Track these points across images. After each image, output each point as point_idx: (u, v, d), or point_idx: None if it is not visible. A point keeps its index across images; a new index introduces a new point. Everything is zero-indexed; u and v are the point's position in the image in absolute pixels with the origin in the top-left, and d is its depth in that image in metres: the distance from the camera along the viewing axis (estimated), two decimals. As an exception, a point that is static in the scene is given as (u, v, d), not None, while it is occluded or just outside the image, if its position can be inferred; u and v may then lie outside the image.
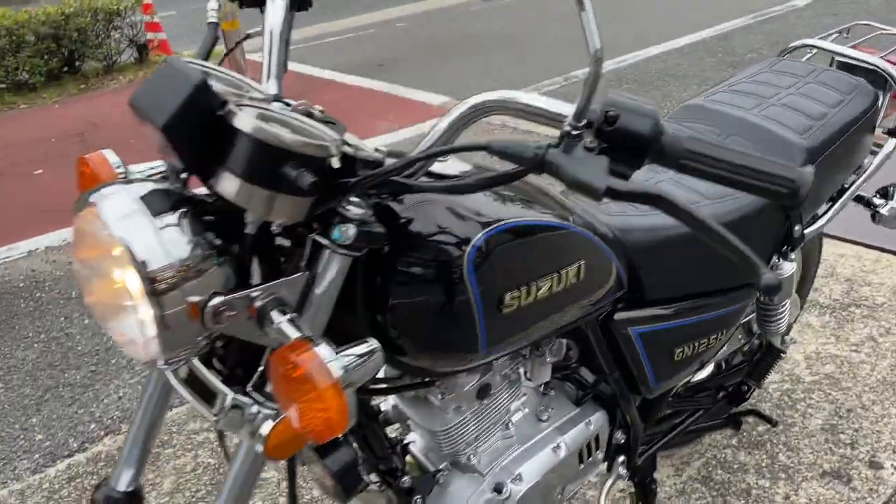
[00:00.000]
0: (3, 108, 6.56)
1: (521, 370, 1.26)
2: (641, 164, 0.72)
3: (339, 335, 0.78)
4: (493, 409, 1.22)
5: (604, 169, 0.68)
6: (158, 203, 0.74)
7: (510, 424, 1.29)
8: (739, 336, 1.76)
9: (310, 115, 0.82)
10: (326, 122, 0.83)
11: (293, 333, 0.73)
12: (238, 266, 0.79)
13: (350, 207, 0.78)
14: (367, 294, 0.91)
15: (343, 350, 0.71)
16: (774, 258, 1.47)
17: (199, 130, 0.71)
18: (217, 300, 0.73)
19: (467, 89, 5.64)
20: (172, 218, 0.74)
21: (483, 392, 1.17)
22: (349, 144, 0.81)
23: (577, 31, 0.69)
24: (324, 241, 0.78)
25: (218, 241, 0.76)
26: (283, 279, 0.78)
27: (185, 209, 0.75)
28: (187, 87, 0.70)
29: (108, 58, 7.43)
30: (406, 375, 1.08)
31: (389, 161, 0.84)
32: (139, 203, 0.74)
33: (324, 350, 0.68)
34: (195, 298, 0.72)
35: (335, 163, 0.79)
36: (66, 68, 7.23)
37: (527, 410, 1.32)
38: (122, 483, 1.00)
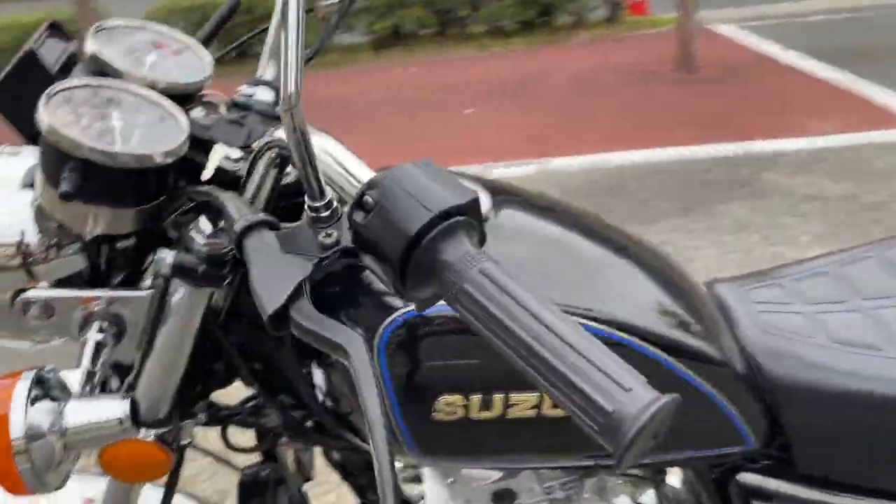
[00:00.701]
0: (479, 51, 7.31)
1: (584, 492, 0.94)
2: (398, 286, 0.43)
3: None
4: (524, 522, 0.94)
5: (295, 281, 0.42)
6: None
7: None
8: None
9: (211, 106, 0.68)
10: (232, 122, 0.68)
11: (85, 358, 0.63)
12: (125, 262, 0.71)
13: (193, 232, 0.63)
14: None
15: (77, 399, 0.59)
16: None
17: (30, 107, 0.63)
18: (31, 293, 0.66)
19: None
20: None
21: (502, 497, 0.90)
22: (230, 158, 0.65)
23: None
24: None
25: None
26: (121, 292, 0.67)
27: None
28: (18, 56, 0.63)
29: (580, 13, 7.68)
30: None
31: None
32: (21, 172, 0.70)
33: (21, 390, 0.56)
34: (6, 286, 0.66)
35: (207, 173, 0.65)
36: (540, 19, 7.71)
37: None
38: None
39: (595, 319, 0.72)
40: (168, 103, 0.65)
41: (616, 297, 0.76)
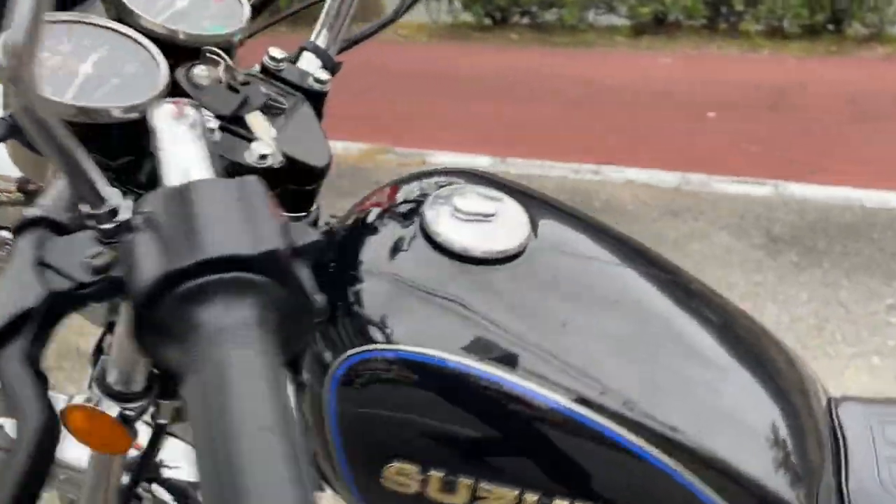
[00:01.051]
0: (747, 51, 6.66)
1: None
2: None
3: None
4: None
5: (20, 308, 0.31)
6: None
7: None
8: None
9: (228, 71, 0.59)
10: (231, 88, 0.59)
11: None
12: None
13: None
14: None
15: None
16: None
17: None
18: (3, 233, 0.63)
19: None
20: None
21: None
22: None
23: None
24: None
25: None
26: None
27: None
28: None
29: (879, 24, 6.68)
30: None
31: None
32: None
33: None
34: None
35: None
36: (830, 26, 6.82)
37: None
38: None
39: (623, 422, 0.54)
40: (157, 54, 0.57)
41: (666, 393, 0.57)
